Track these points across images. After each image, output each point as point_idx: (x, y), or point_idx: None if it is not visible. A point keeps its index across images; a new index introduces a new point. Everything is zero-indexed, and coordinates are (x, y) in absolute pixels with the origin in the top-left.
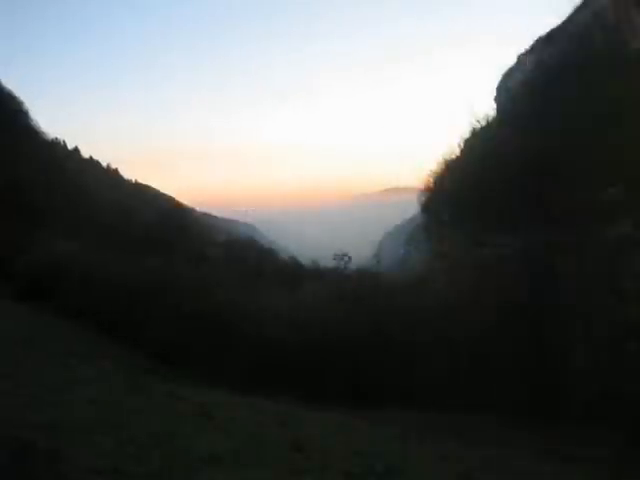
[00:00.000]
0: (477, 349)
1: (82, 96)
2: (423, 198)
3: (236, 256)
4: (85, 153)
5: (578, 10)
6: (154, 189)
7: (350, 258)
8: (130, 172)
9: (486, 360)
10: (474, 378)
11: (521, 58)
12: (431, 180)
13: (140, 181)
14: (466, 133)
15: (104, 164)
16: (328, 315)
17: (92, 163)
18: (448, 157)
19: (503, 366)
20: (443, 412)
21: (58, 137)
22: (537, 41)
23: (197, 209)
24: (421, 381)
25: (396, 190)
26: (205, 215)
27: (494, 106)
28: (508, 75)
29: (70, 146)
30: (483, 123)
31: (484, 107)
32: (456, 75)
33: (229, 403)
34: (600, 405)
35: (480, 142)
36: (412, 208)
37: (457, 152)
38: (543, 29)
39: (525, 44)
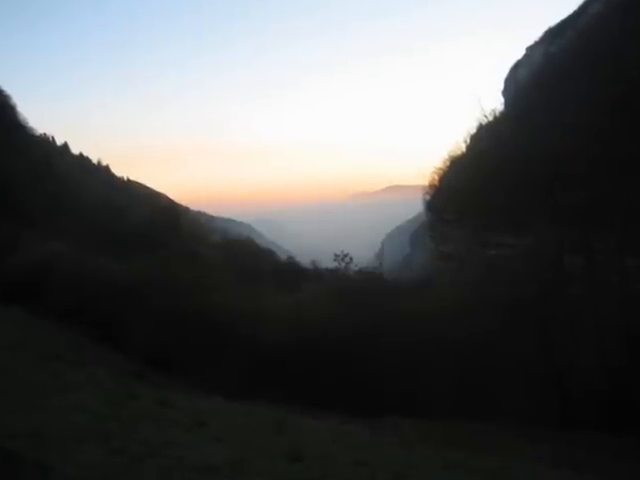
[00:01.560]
0: (482, 352)
1: (72, 91)
2: (427, 196)
3: (233, 257)
4: (75, 149)
5: (589, 2)
6: (147, 187)
7: (351, 259)
8: (122, 169)
9: (490, 364)
10: (477, 384)
11: (530, 50)
12: (436, 177)
13: (132, 178)
14: (472, 128)
15: (95, 161)
16: (328, 318)
17: (82, 160)
18: (453, 153)
19: (508, 370)
20: (444, 419)
21: (47, 133)
22: (546, 33)
23: (192, 208)
24: (422, 388)
25: (398, 188)
26: (200, 214)
27: (501, 100)
28: (516, 68)
29: (59, 142)
30: (490, 117)
31: (491, 101)
32: (462, 68)
33: (225, 410)
34: (611, 409)
35: (487, 137)
36: (415, 207)
37: (463, 148)
38: (552, 20)
39: (534, 36)
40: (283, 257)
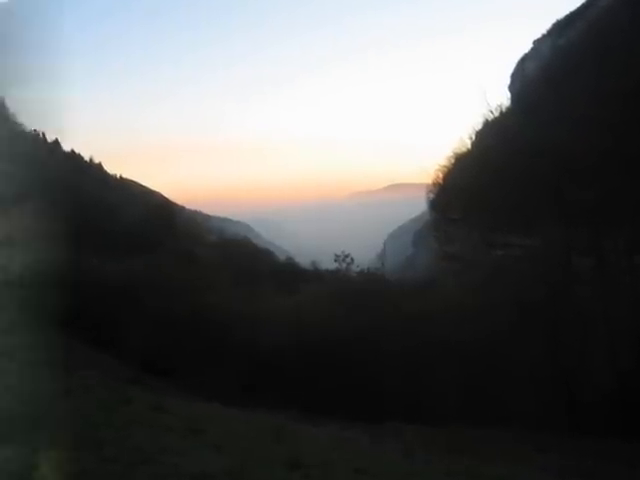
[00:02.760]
0: (487, 356)
1: (63, 86)
2: (431, 195)
3: (230, 257)
4: (66, 146)
5: None
6: (141, 185)
7: (352, 259)
8: (115, 167)
9: (496, 368)
10: (482, 388)
11: (537, 43)
12: (439, 175)
13: (126, 176)
14: (478, 124)
15: (87, 158)
16: (328, 320)
17: (74, 157)
18: (458, 150)
19: (514, 374)
20: (448, 425)
21: (37, 129)
22: (554, 25)
23: (187, 207)
24: (425, 392)
25: (400, 187)
26: (196, 213)
27: (508, 95)
28: (523, 61)
29: (50, 139)
30: (496, 113)
31: (497, 96)
32: (467, 62)
33: (221, 416)
34: (622, 414)
35: (493, 133)
36: (418, 206)
37: (468, 145)
38: (561, 13)
39: (541, 29)
40: (281, 257)
